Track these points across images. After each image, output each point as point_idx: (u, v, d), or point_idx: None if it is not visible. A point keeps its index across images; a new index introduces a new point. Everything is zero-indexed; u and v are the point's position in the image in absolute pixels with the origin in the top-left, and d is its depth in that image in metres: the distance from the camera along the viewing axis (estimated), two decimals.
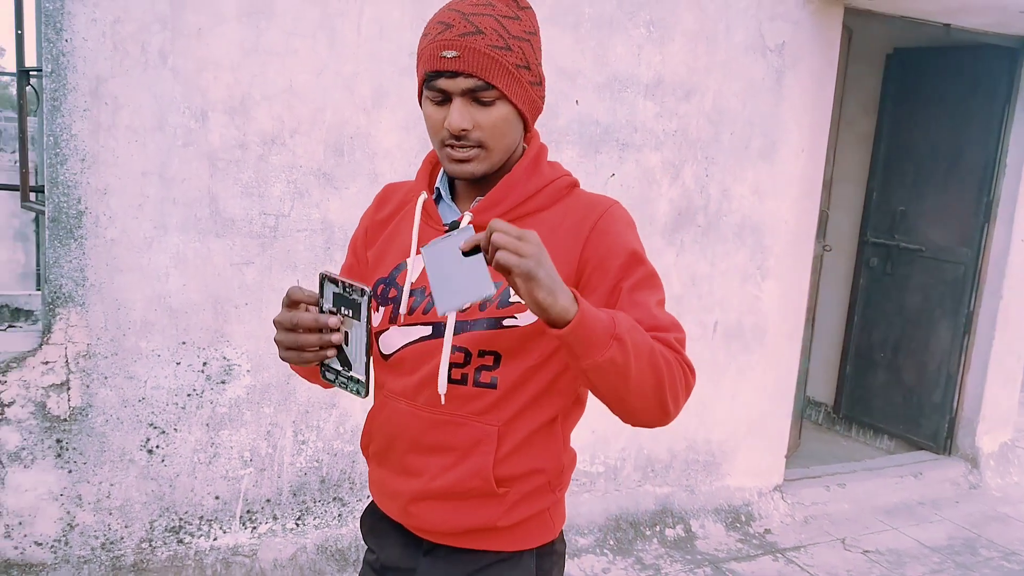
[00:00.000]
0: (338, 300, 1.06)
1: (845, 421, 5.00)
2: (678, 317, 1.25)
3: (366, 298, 1.04)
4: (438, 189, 1.30)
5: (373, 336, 1.26)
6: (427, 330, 1.23)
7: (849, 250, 4.90)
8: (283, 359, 1.11)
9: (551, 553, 1.32)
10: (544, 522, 1.30)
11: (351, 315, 1.06)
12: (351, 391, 1.10)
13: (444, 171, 1.28)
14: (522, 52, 1.16)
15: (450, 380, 1.21)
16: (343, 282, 1.05)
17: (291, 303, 1.10)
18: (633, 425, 1.18)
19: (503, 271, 0.97)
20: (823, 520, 3.78)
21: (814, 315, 4.20)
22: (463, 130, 1.14)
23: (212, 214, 2.62)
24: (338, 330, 1.07)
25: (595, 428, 3.33)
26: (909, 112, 4.58)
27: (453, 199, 1.29)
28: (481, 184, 1.24)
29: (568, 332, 1.00)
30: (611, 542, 3.32)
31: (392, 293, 1.26)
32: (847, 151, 4.70)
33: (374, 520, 1.40)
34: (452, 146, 1.17)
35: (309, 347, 1.08)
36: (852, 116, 4.75)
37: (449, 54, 1.12)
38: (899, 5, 3.53)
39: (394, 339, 1.26)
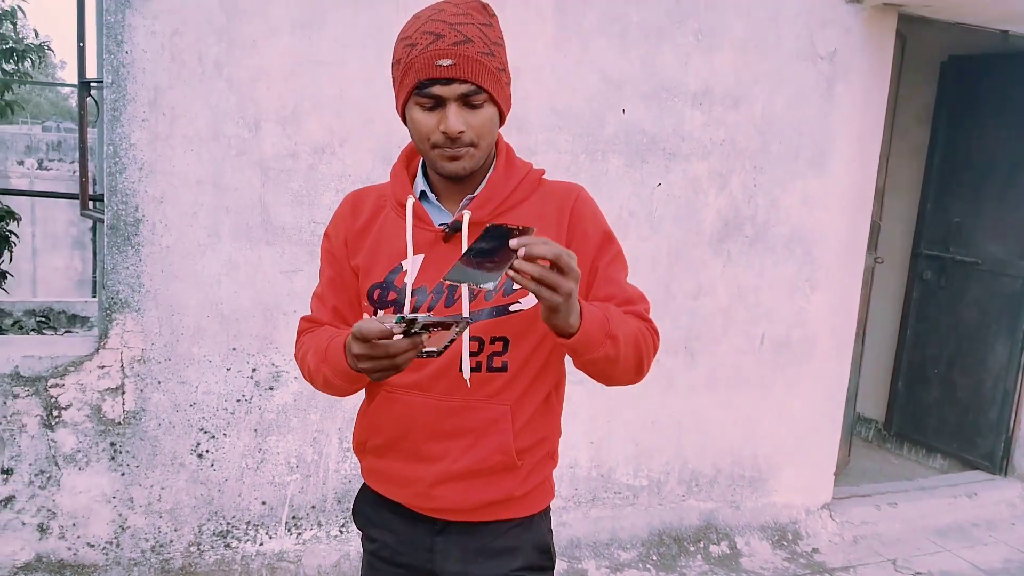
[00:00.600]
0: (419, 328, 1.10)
1: (896, 439, 4.87)
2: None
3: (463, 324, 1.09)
4: (422, 191, 1.37)
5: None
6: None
7: (901, 263, 4.79)
8: (375, 379, 1.17)
9: (548, 511, 1.48)
10: (548, 486, 1.45)
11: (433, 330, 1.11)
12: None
13: (422, 173, 1.38)
14: (500, 56, 1.27)
15: (462, 370, 1.30)
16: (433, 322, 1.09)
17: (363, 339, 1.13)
18: (608, 386, 1.34)
19: (536, 294, 1.07)
20: (873, 540, 3.69)
21: (864, 329, 4.11)
22: (460, 132, 1.23)
23: (263, 222, 2.66)
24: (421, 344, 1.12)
25: (638, 441, 3.30)
26: (965, 121, 4.47)
27: (439, 198, 1.37)
28: (463, 183, 1.33)
29: (573, 341, 1.16)
30: (654, 557, 3.28)
31: (391, 296, 1.32)
32: (900, 161, 4.60)
33: (373, 510, 1.46)
34: (446, 147, 1.25)
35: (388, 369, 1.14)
36: (905, 125, 4.65)
37: (445, 62, 1.20)
38: (956, 11, 3.45)
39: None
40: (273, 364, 2.75)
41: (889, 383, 4.89)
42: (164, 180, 2.54)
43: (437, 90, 1.22)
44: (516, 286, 1.26)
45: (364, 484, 1.50)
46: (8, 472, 2.56)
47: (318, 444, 2.85)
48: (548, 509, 1.48)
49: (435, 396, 1.32)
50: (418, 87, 1.23)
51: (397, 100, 1.30)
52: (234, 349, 2.70)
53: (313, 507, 2.88)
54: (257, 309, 2.70)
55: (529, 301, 1.29)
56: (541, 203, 1.36)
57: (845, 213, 3.49)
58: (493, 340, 1.30)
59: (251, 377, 2.73)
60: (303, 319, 1.46)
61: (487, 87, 1.23)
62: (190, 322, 2.64)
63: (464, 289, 1.29)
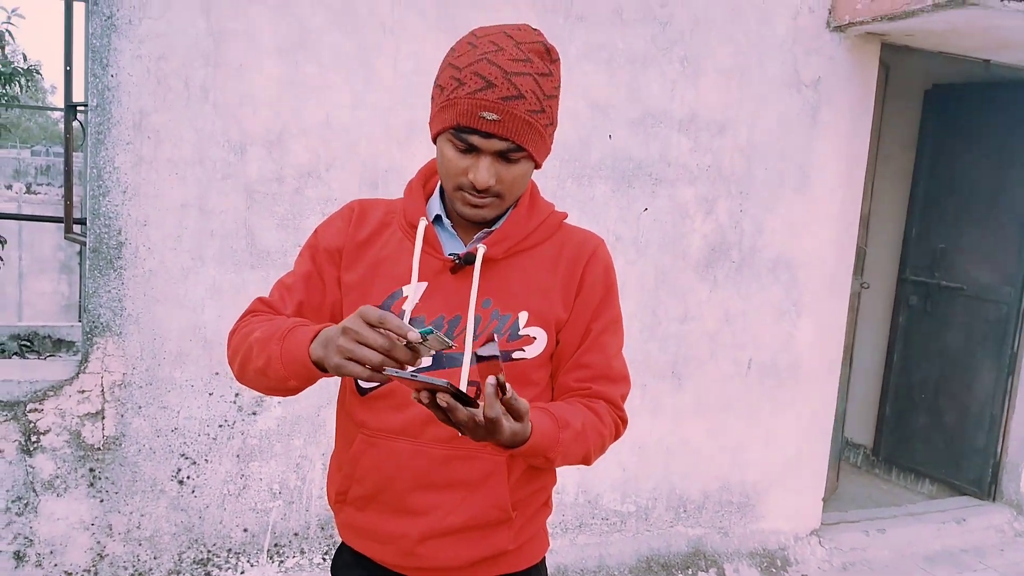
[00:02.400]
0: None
1: (885, 464, 4.86)
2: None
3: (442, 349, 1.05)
4: (436, 215, 1.30)
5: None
6: (426, 361, 1.22)
7: (888, 288, 4.81)
8: (336, 364, 1.05)
9: (544, 563, 1.39)
10: (543, 535, 1.37)
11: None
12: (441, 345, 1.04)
13: (439, 195, 1.31)
14: (551, 110, 1.19)
15: None
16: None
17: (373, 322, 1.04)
18: None
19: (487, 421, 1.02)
20: (862, 567, 3.66)
21: (852, 354, 4.12)
22: (489, 186, 1.18)
23: (248, 246, 2.65)
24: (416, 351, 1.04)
25: (626, 466, 3.28)
26: (949, 148, 4.52)
27: (453, 225, 1.30)
28: None
29: (514, 451, 1.13)
30: None
31: None
32: (885, 187, 4.63)
33: (353, 570, 1.34)
34: (471, 194, 1.19)
35: (368, 361, 1.02)
36: (890, 152, 4.70)
37: (490, 116, 1.13)
38: (938, 41, 3.50)
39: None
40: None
41: (877, 408, 4.89)
42: (148, 203, 2.53)
43: (475, 140, 1.15)
44: (522, 331, 1.24)
45: (341, 543, 1.38)
46: None
47: (301, 470, 2.82)
48: (543, 561, 1.38)
49: (424, 443, 1.22)
50: (456, 129, 1.16)
51: (432, 123, 1.23)
52: (217, 374, 2.67)
53: (296, 534, 2.84)
54: None
55: (534, 350, 1.24)
56: (558, 248, 1.30)
57: (831, 238, 3.51)
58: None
59: (234, 402, 2.71)
60: (258, 300, 1.32)
61: (528, 146, 1.17)
62: (172, 346, 2.61)
63: (469, 325, 1.21)
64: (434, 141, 1.23)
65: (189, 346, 2.63)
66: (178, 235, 2.57)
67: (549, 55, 1.18)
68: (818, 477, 3.70)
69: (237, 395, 2.70)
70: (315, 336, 1.11)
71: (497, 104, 1.13)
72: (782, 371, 3.51)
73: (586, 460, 1.25)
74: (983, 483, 4.31)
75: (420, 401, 1.01)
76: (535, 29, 1.19)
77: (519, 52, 1.15)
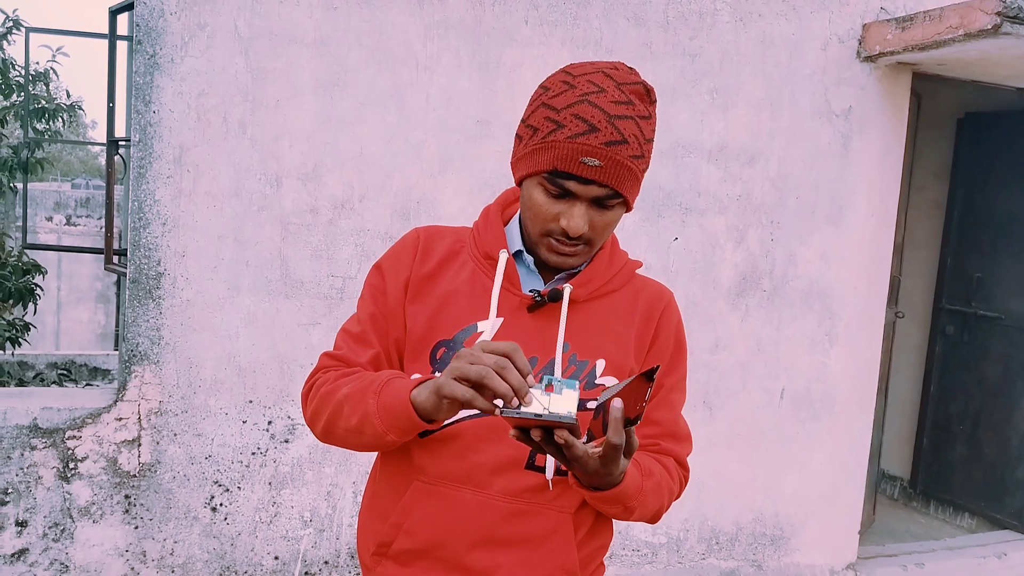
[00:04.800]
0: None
1: (923, 497, 4.75)
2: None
3: (576, 394, 0.96)
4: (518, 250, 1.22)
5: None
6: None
7: (923, 317, 4.74)
8: (447, 388, 0.97)
9: None
10: None
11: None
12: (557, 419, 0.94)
13: (521, 232, 1.22)
14: (649, 154, 1.13)
15: (533, 466, 1.14)
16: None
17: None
18: None
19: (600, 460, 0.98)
20: None
21: (887, 384, 4.05)
22: (582, 234, 1.11)
23: (282, 276, 2.70)
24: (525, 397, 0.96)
25: None
26: (983, 177, 4.47)
27: (536, 263, 1.22)
28: None
29: (593, 495, 1.07)
30: None
31: None
32: (919, 216, 4.59)
33: None
34: (560, 241, 1.13)
35: (494, 389, 0.94)
36: (923, 181, 4.65)
37: (592, 162, 1.06)
38: (969, 70, 3.49)
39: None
40: (289, 417, 2.75)
41: (914, 440, 4.80)
42: (187, 235, 2.59)
43: (572, 186, 1.09)
44: (599, 379, 1.17)
45: None
46: (23, 524, 2.56)
47: (332, 498, 2.83)
48: None
49: (492, 495, 1.12)
50: (552, 173, 1.09)
51: (519, 165, 1.15)
52: (251, 401, 2.71)
53: (326, 562, 2.85)
54: (274, 362, 2.72)
55: (606, 396, 1.17)
56: (633, 297, 1.25)
57: (864, 267, 3.48)
58: None
59: (267, 430, 2.74)
60: (325, 355, 1.24)
61: (626, 192, 1.11)
62: (208, 374, 2.66)
63: (557, 369, 1.15)
64: (519, 183, 1.17)
65: (224, 374, 2.67)
66: (215, 266, 2.63)
67: (649, 96, 1.12)
68: (854, 510, 3.63)
69: (270, 423, 2.73)
70: (416, 386, 1.06)
71: (600, 150, 1.06)
72: (815, 401, 3.47)
73: (657, 515, 1.19)
74: None
75: (518, 438, 0.96)
76: (631, 68, 1.13)
77: (621, 94, 1.09)
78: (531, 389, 0.95)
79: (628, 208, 1.15)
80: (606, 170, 1.07)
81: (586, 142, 1.06)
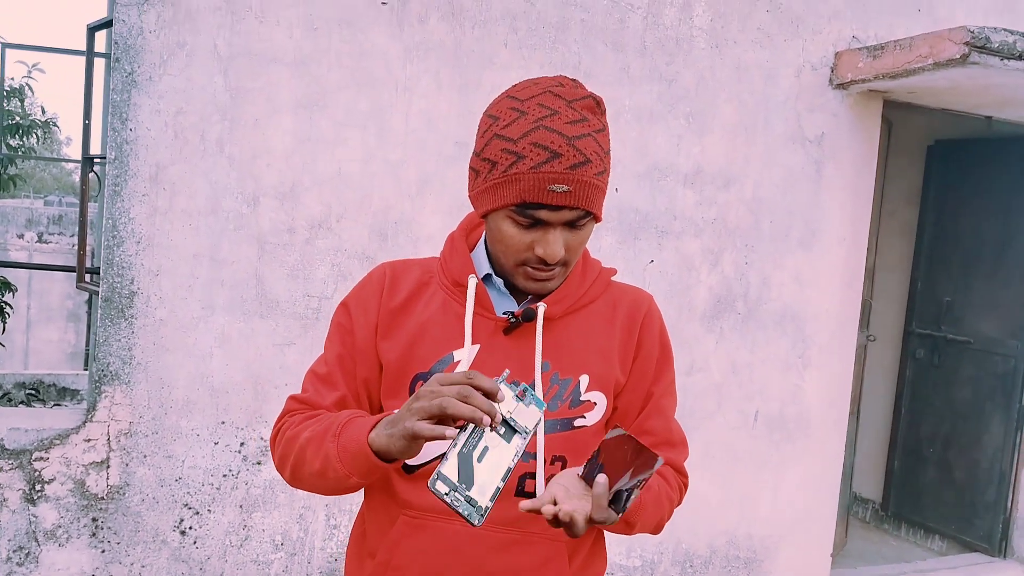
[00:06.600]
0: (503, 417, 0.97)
1: (894, 519, 4.79)
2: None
3: (540, 417, 0.97)
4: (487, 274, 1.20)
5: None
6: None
7: (894, 341, 4.80)
8: (412, 427, 0.96)
9: None
10: None
11: (502, 433, 0.96)
12: (461, 512, 0.94)
13: (488, 255, 1.20)
14: (609, 165, 1.12)
15: (523, 492, 1.12)
16: (523, 395, 0.98)
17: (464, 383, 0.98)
18: None
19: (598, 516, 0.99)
20: None
21: (859, 407, 4.09)
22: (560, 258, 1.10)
23: (258, 295, 2.68)
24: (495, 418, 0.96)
25: None
26: (953, 203, 4.56)
27: (506, 285, 1.20)
28: None
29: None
30: None
31: None
32: (890, 241, 4.66)
33: None
34: (537, 268, 1.11)
35: (460, 415, 0.94)
36: (894, 206, 4.74)
37: (560, 188, 1.04)
38: (940, 98, 3.56)
39: (432, 444, 1.08)
40: (262, 438, 2.72)
41: (885, 462, 4.84)
42: (161, 253, 2.57)
43: (543, 215, 1.06)
44: (583, 396, 1.14)
45: None
46: None
47: (304, 521, 2.80)
48: None
49: (483, 526, 1.08)
50: (520, 205, 1.07)
51: (480, 200, 1.12)
52: (223, 423, 2.67)
53: None
54: (248, 382, 2.69)
55: (594, 416, 1.15)
56: (611, 307, 1.22)
57: (836, 291, 3.53)
58: (554, 460, 1.12)
59: (239, 451, 2.70)
60: (293, 399, 1.23)
61: (596, 211, 1.09)
62: (180, 395, 2.62)
63: (538, 389, 1.13)
64: (480, 213, 1.14)
65: (196, 395, 2.63)
66: (189, 284, 2.60)
67: (599, 107, 1.11)
68: (826, 532, 3.65)
69: (243, 444, 2.70)
70: (373, 426, 1.04)
71: (566, 175, 1.04)
72: (789, 423, 3.49)
73: (658, 527, 1.19)
74: (993, 539, 4.24)
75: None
76: (574, 81, 1.11)
77: (574, 112, 1.07)
78: (505, 391, 0.96)
79: (598, 220, 1.14)
80: (574, 194, 1.05)
81: (551, 170, 1.04)
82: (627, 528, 1.11)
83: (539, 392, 1.13)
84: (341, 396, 1.19)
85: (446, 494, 0.94)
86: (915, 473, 4.67)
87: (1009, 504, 4.21)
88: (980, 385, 4.35)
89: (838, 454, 3.64)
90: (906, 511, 4.71)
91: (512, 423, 0.96)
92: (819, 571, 3.64)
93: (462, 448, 0.95)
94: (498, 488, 0.95)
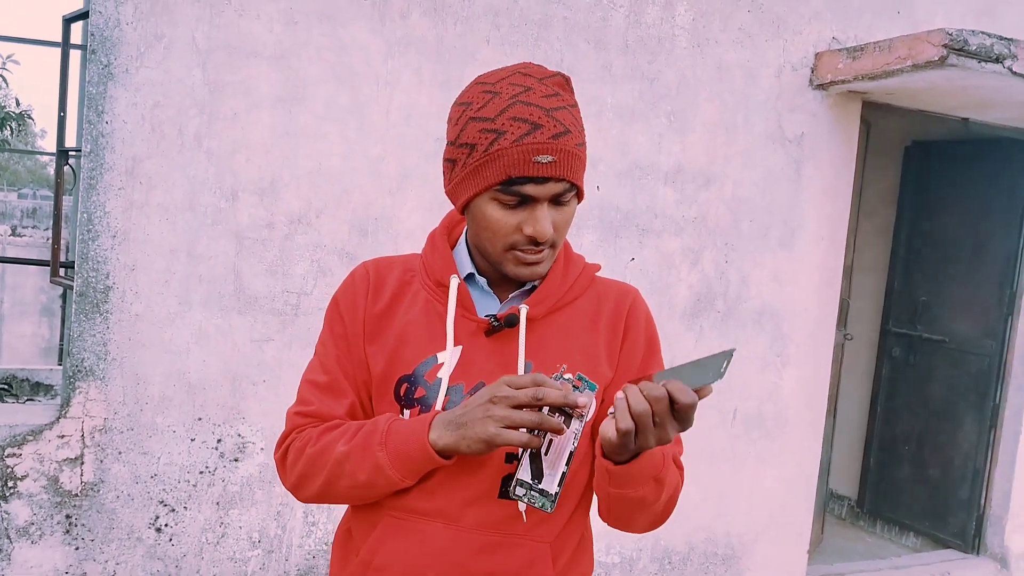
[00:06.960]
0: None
1: (869, 516, 4.84)
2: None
3: (591, 403, 1.01)
4: (469, 274, 1.19)
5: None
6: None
7: (871, 339, 4.85)
8: (498, 435, 0.99)
9: None
10: None
11: (562, 420, 1.00)
12: (536, 506, 1.00)
13: (470, 253, 1.20)
14: (586, 141, 1.11)
15: (506, 495, 1.10)
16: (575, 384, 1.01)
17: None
18: (620, 530, 1.19)
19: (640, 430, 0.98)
20: None
21: (836, 405, 4.13)
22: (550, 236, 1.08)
23: (236, 291, 2.65)
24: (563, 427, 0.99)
25: None
26: (929, 203, 4.61)
27: (489, 284, 1.19)
28: None
29: (624, 468, 1.03)
30: None
31: (419, 392, 1.12)
32: (868, 240, 4.71)
33: None
34: (526, 251, 1.09)
35: (530, 426, 0.98)
36: (872, 206, 4.78)
37: (545, 159, 1.03)
38: (917, 99, 3.60)
39: None
40: (239, 435, 2.70)
41: (861, 460, 4.89)
42: (137, 248, 2.54)
43: (529, 189, 1.04)
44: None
45: None
46: None
47: (282, 518, 2.78)
48: None
49: (465, 528, 1.08)
50: (505, 183, 1.05)
51: (460, 188, 1.10)
52: (200, 419, 2.65)
53: None
54: (225, 378, 2.66)
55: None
56: (596, 303, 1.21)
57: (815, 290, 3.55)
58: None
59: (216, 448, 2.68)
60: (299, 414, 1.18)
61: (579, 183, 1.08)
62: (156, 391, 2.59)
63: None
64: (462, 211, 1.13)
65: (173, 391, 2.61)
66: (166, 280, 2.57)
67: (568, 85, 1.11)
68: (803, 529, 3.68)
69: (219, 441, 2.68)
70: (427, 427, 1.05)
71: (549, 144, 1.03)
72: (767, 421, 3.51)
73: (671, 501, 1.16)
74: (967, 536, 4.30)
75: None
76: (539, 64, 1.12)
77: (547, 88, 1.07)
78: (567, 386, 1.02)
79: (580, 198, 1.13)
80: (559, 164, 1.04)
81: (534, 140, 1.03)
82: (657, 488, 1.09)
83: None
84: (351, 403, 1.17)
85: (523, 496, 1.01)
86: (890, 470, 4.72)
87: (983, 501, 4.27)
88: (955, 384, 4.41)
89: (815, 451, 3.67)
90: (881, 508, 4.76)
91: (569, 410, 1.01)
92: (796, 567, 3.67)
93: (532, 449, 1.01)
94: (564, 473, 1.00)
